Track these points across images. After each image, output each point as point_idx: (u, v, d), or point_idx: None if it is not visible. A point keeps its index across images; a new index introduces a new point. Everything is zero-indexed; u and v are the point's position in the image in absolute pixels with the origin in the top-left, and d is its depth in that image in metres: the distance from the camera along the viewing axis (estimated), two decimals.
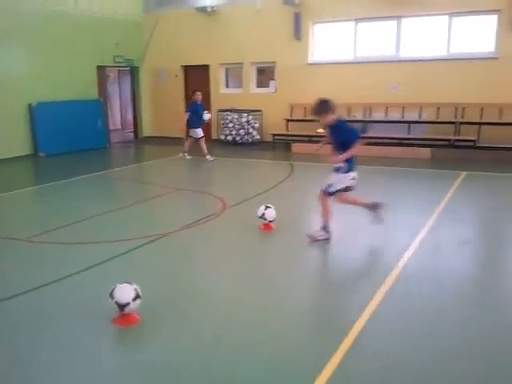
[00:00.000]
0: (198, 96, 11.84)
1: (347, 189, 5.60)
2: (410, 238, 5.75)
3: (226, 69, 15.82)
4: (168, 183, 9.26)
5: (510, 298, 4.34)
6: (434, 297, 4.26)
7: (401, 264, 4.93)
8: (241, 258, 5.40)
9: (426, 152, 11.81)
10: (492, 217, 7.08)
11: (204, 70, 15.72)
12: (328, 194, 5.57)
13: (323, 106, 5.43)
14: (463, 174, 9.62)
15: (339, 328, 3.70)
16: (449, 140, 12.01)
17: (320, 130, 12.64)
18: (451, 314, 3.98)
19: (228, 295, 4.45)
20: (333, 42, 13.93)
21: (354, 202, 5.83)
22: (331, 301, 4.33)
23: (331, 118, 5.46)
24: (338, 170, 5.50)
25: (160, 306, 4.10)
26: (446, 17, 12.33)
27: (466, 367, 3.22)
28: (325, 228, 5.68)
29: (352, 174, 5.54)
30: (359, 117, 13.22)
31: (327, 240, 5.66)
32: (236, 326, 3.80)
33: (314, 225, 5.83)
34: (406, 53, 12.90)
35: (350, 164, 5.50)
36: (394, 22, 12.92)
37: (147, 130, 17.01)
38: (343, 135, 5.47)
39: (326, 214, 5.68)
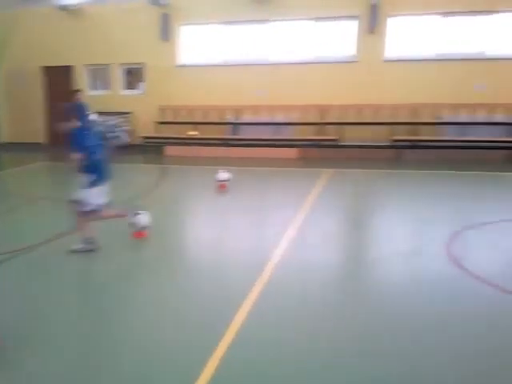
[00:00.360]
0: (79, 95, 11.11)
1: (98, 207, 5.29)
2: (277, 236, 5.88)
3: (93, 70, 15.06)
4: (28, 193, 8.53)
5: (374, 288, 4.65)
6: (305, 296, 4.40)
7: (268, 268, 4.97)
8: (107, 271, 5.12)
9: (293, 152, 12.33)
10: (354, 210, 7.61)
11: (67, 71, 14.81)
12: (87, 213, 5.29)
13: (68, 112, 5.59)
14: (327, 171, 10.21)
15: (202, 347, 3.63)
16: (314, 140, 12.65)
17: (191, 133, 12.60)
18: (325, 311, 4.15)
19: (90, 313, 4.20)
20: (202, 45, 13.94)
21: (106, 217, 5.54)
22: (196, 314, 4.08)
23: (76, 123, 5.50)
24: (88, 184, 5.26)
25: (18, 330, 3.71)
26: (312, 21, 12.98)
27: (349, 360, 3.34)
28: (87, 240, 5.40)
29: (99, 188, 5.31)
30: (231, 119, 13.41)
31: (92, 250, 5.40)
32: (100, 344, 3.60)
33: (190, 229, 5.71)
34: (274, 56, 13.33)
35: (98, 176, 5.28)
36: (261, 26, 13.29)
37: (4, 135, 15.57)
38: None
39: (84, 229, 5.41)
